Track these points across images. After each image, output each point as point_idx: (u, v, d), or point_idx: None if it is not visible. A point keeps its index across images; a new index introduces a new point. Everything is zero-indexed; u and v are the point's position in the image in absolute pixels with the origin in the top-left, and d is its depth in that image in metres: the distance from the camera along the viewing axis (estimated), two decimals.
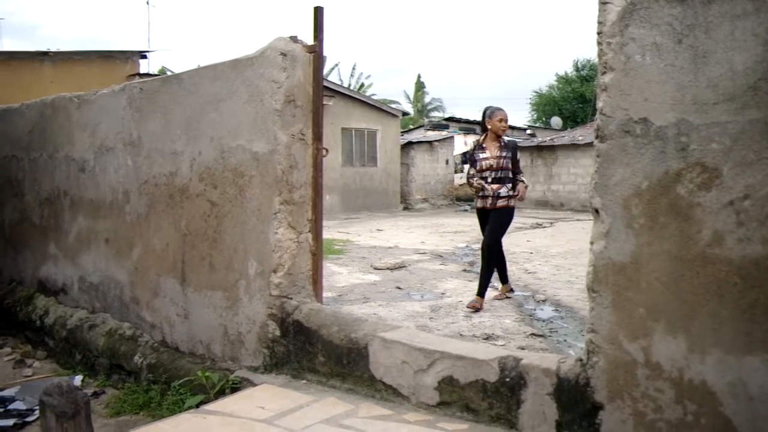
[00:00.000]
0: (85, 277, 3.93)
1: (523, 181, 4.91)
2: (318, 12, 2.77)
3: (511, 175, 4.88)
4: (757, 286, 1.57)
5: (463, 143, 22.14)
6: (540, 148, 17.91)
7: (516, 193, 4.82)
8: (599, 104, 1.82)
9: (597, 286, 1.80)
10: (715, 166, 1.63)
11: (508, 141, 4.99)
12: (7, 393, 3.34)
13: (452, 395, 2.13)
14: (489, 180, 4.82)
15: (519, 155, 5.09)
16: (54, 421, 2.15)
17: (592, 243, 1.83)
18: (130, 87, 3.49)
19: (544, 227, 11.66)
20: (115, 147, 3.56)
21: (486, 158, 4.86)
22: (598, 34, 1.82)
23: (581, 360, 1.86)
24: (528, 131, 22.48)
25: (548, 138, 18.82)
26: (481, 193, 4.89)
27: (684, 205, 1.67)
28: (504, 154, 4.85)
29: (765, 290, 1.56)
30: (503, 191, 4.79)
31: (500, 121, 4.91)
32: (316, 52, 2.78)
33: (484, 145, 4.94)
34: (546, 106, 29.94)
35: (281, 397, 2.45)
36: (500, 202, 4.82)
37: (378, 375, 2.33)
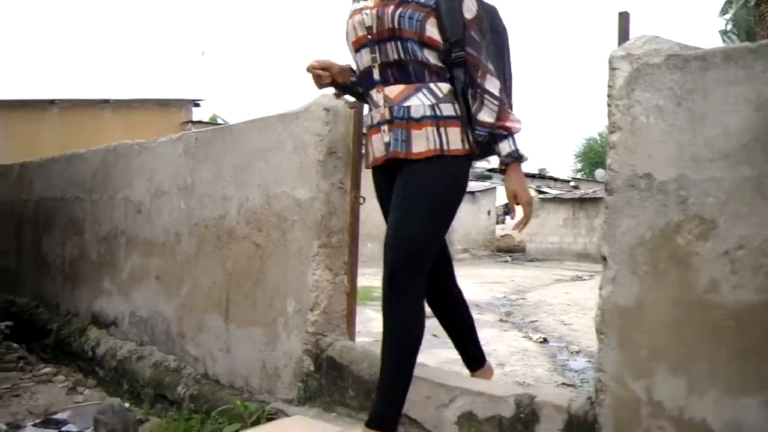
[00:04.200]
0: (135, 311, 4.18)
1: (502, 108, 2.03)
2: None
3: (438, 62, 2.01)
4: (751, 330, 1.69)
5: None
6: (582, 201, 17.88)
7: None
8: (608, 161, 1.99)
9: (604, 328, 1.94)
10: (711, 218, 1.77)
11: None
12: (60, 416, 3.58)
13: (471, 430, 2.26)
14: (373, 75, 2.08)
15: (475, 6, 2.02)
16: None
17: (600, 288, 1.98)
18: (186, 136, 3.79)
19: (584, 279, 11.63)
20: (170, 191, 3.84)
21: (360, 9, 2.09)
22: (608, 96, 2.00)
23: (590, 398, 1.99)
24: (572, 183, 22.43)
25: (591, 190, 18.78)
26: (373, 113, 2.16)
27: (683, 254, 1.81)
28: None
29: (759, 334, 1.69)
30: (415, 104, 2.00)
31: None
32: (357, 108, 3.01)
33: None
34: (594, 154, 29.88)
35: (313, 428, 2.60)
36: (417, 142, 2.00)
37: (403, 409, 2.47)
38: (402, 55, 2.02)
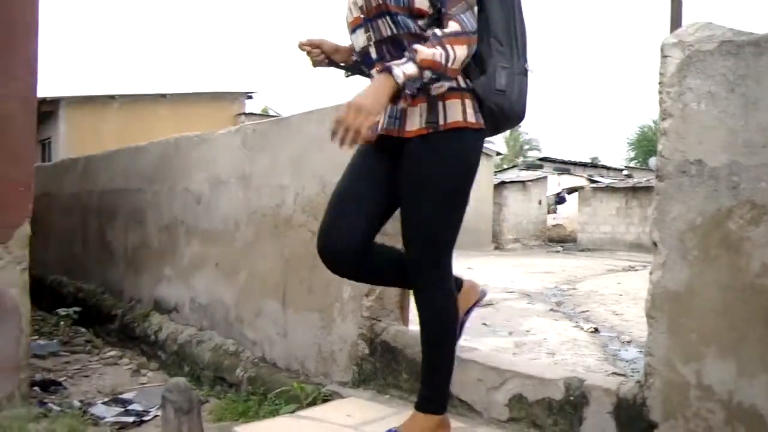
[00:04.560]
0: (195, 298, 4.34)
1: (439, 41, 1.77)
2: None
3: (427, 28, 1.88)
4: None
5: (557, 184, 22.00)
6: (635, 190, 17.56)
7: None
8: (659, 147, 2.01)
9: (654, 313, 1.97)
10: (763, 204, 1.78)
11: None
12: (126, 396, 3.78)
13: (521, 412, 2.32)
14: (371, 54, 1.97)
15: None
16: (172, 414, 2.49)
17: (650, 273, 2.01)
18: (244, 128, 3.92)
19: (637, 270, 11.48)
20: (228, 181, 3.98)
21: None
22: (659, 83, 2.02)
23: (639, 381, 2.02)
24: (625, 171, 22.01)
25: (644, 179, 18.41)
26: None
27: (734, 239, 1.82)
28: None
29: None
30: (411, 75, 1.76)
31: None
32: None
33: None
34: (647, 142, 29.23)
35: (367, 409, 2.69)
36: (411, 119, 1.92)
37: (455, 392, 2.54)
38: (395, 30, 1.90)
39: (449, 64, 1.78)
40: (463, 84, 1.92)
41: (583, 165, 25.65)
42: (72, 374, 4.33)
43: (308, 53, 2.16)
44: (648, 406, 1.97)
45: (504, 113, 1.95)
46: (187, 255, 4.44)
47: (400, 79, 1.75)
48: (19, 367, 3.13)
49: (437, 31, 1.81)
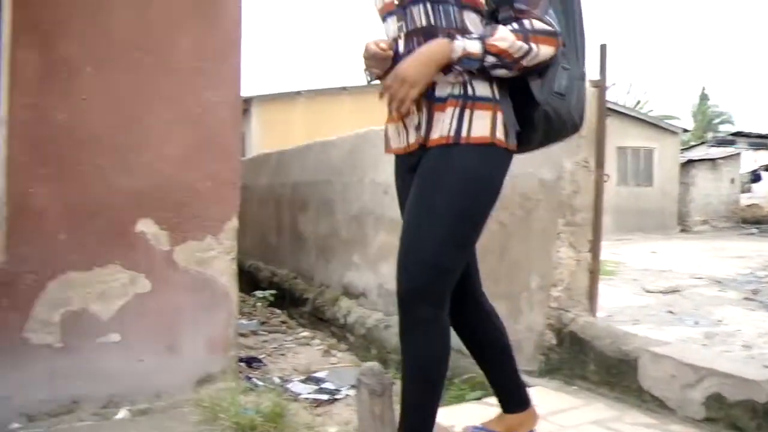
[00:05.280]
0: (382, 284, 4.58)
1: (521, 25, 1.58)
2: (603, 49, 3.04)
3: (471, 25, 1.64)
4: None
5: (752, 161, 20.20)
6: None
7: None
8: None
9: None
10: None
11: None
12: (319, 375, 4.09)
13: (719, 412, 2.25)
14: (399, 47, 1.71)
15: None
16: (367, 396, 2.66)
17: None
18: None
19: None
20: None
21: None
22: None
23: None
24: None
25: None
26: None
27: None
28: None
29: None
30: (442, 80, 1.63)
31: None
32: (600, 86, 3.05)
33: None
34: None
35: (554, 398, 2.74)
36: (436, 127, 1.66)
37: (645, 386, 2.52)
38: (432, 20, 1.64)
39: (525, 60, 1.59)
40: (497, 95, 1.66)
41: None
42: (270, 352, 4.73)
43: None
44: None
45: (561, 119, 1.69)
46: (375, 243, 4.68)
47: (457, 54, 1.57)
48: (229, 345, 3.41)
49: (525, 23, 1.58)
